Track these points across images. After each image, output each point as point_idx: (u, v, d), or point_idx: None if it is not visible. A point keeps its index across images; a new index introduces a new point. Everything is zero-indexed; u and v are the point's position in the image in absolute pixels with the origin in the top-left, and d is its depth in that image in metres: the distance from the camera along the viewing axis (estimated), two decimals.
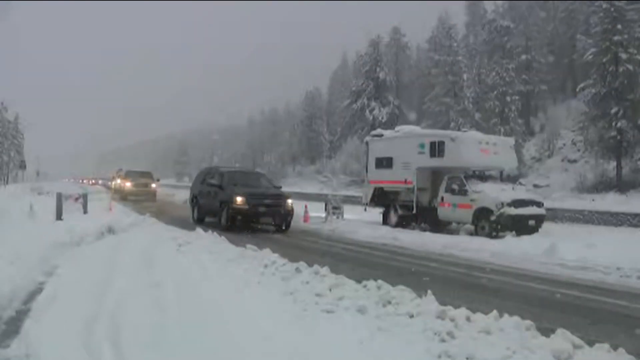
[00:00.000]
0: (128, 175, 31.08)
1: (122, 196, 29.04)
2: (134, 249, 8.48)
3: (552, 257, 9.51)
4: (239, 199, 13.15)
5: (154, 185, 30.10)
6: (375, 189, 16.45)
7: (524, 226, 12.50)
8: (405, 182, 15.04)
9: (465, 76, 37.78)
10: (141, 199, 27.94)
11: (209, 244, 8.95)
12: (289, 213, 14.03)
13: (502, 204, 12.57)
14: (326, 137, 61.05)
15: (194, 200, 16.20)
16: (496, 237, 12.25)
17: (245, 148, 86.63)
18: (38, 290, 5.68)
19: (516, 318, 4.29)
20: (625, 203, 20.05)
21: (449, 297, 5.64)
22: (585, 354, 3.72)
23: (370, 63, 45.40)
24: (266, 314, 4.56)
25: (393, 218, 15.69)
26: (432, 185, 14.83)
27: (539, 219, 13.08)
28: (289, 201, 14.03)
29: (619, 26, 23.93)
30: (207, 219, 15.29)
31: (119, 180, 35.81)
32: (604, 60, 24.15)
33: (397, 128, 17.43)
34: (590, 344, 3.89)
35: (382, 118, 42.28)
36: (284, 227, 13.99)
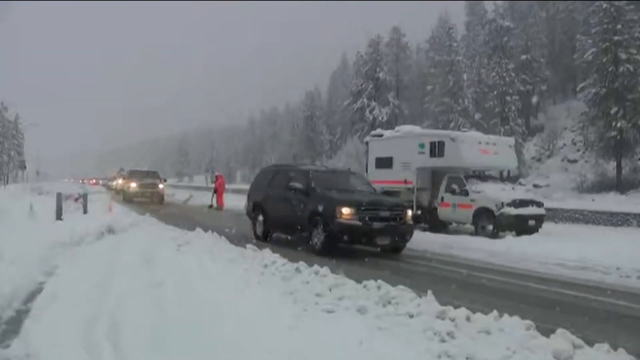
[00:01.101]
0: (132, 175, 28.20)
1: (126, 197, 26.91)
2: (134, 249, 8.47)
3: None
4: (346, 211, 9.32)
5: (161, 186, 27.16)
6: None
7: (524, 226, 12.52)
8: (405, 182, 15.04)
9: (465, 76, 37.85)
10: (146, 201, 25.62)
11: (209, 244, 8.94)
12: (410, 230, 10.12)
13: (502, 204, 12.59)
14: (326, 137, 61.12)
15: (257, 209, 12.06)
16: (496, 237, 12.26)
17: (245, 148, 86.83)
18: (38, 290, 5.67)
19: (516, 318, 4.28)
20: (625, 203, 20.06)
21: (449, 297, 5.64)
22: (585, 354, 3.72)
23: (370, 63, 45.39)
24: (266, 314, 4.55)
25: None
26: (432, 185, 14.84)
27: (539, 219, 13.10)
28: (410, 212, 10.26)
29: (619, 26, 23.97)
30: (275, 235, 11.80)
31: (120, 181, 35.01)
32: (604, 60, 24.19)
33: (397, 128, 17.44)
34: (590, 344, 3.88)
35: (382, 118, 42.28)
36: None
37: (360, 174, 12.79)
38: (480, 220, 12.99)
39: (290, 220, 10.61)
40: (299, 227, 10.34)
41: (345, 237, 9.43)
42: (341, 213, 9.31)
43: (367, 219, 9.35)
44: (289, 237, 11.51)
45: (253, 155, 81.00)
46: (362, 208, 9.44)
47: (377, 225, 9.40)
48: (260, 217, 11.80)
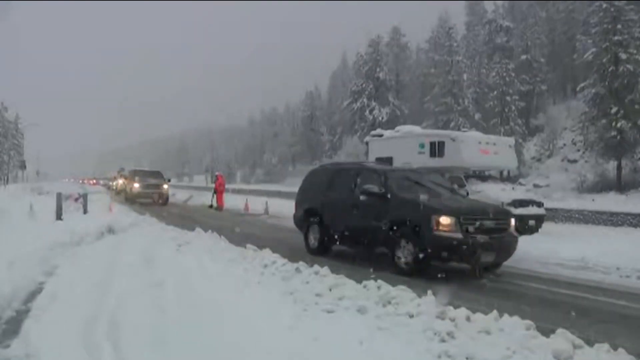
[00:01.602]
0: (135, 174, 27.00)
1: (129, 198, 25.91)
2: (134, 249, 8.48)
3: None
4: (445, 221, 7.47)
5: (165, 186, 26.12)
6: None
7: (524, 226, 12.50)
8: None
9: (465, 76, 37.88)
10: (149, 202, 24.58)
11: (209, 244, 8.93)
12: (515, 242, 8.12)
13: (502, 204, 12.57)
14: (326, 137, 61.11)
15: (311, 218, 9.96)
16: None
17: (245, 148, 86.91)
18: (38, 290, 5.67)
19: (516, 318, 4.28)
20: (625, 203, 20.03)
21: (449, 297, 5.63)
22: (585, 354, 3.72)
23: (370, 63, 45.41)
24: (266, 314, 4.56)
25: None
26: None
27: (539, 219, 13.10)
28: (513, 221, 8.39)
29: (619, 26, 23.95)
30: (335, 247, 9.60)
31: (121, 181, 34.58)
32: (604, 60, 24.16)
33: (397, 128, 17.44)
34: (590, 344, 3.88)
35: (382, 118, 42.30)
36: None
37: (437, 174, 11.08)
38: None
39: (361, 231, 8.75)
40: (374, 241, 8.53)
41: (444, 254, 7.57)
42: (439, 224, 7.43)
43: (469, 230, 7.49)
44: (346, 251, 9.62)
45: (253, 155, 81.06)
46: (464, 217, 7.56)
47: (481, 238, 7.48)
48: (317, 227, 9.74)
